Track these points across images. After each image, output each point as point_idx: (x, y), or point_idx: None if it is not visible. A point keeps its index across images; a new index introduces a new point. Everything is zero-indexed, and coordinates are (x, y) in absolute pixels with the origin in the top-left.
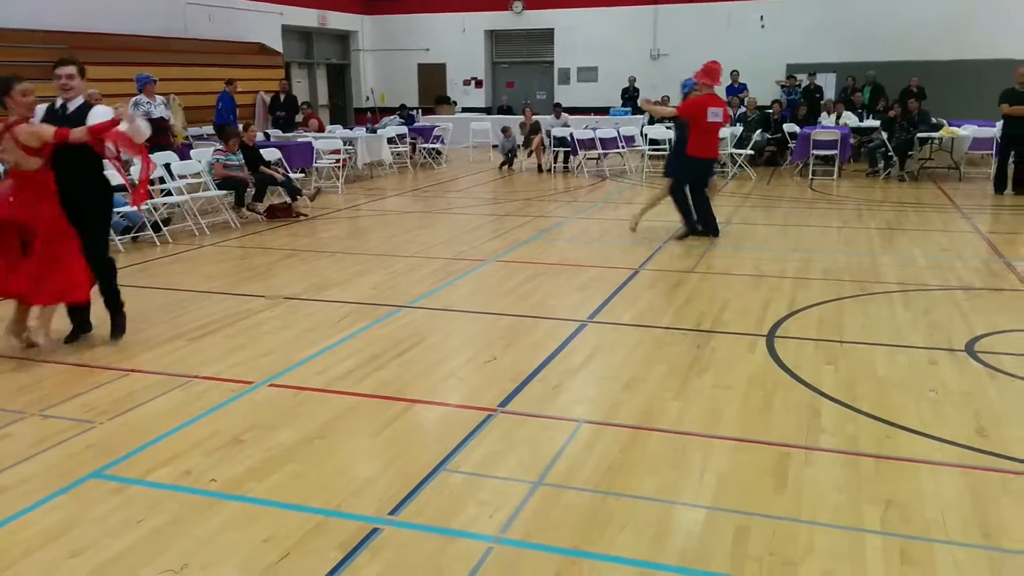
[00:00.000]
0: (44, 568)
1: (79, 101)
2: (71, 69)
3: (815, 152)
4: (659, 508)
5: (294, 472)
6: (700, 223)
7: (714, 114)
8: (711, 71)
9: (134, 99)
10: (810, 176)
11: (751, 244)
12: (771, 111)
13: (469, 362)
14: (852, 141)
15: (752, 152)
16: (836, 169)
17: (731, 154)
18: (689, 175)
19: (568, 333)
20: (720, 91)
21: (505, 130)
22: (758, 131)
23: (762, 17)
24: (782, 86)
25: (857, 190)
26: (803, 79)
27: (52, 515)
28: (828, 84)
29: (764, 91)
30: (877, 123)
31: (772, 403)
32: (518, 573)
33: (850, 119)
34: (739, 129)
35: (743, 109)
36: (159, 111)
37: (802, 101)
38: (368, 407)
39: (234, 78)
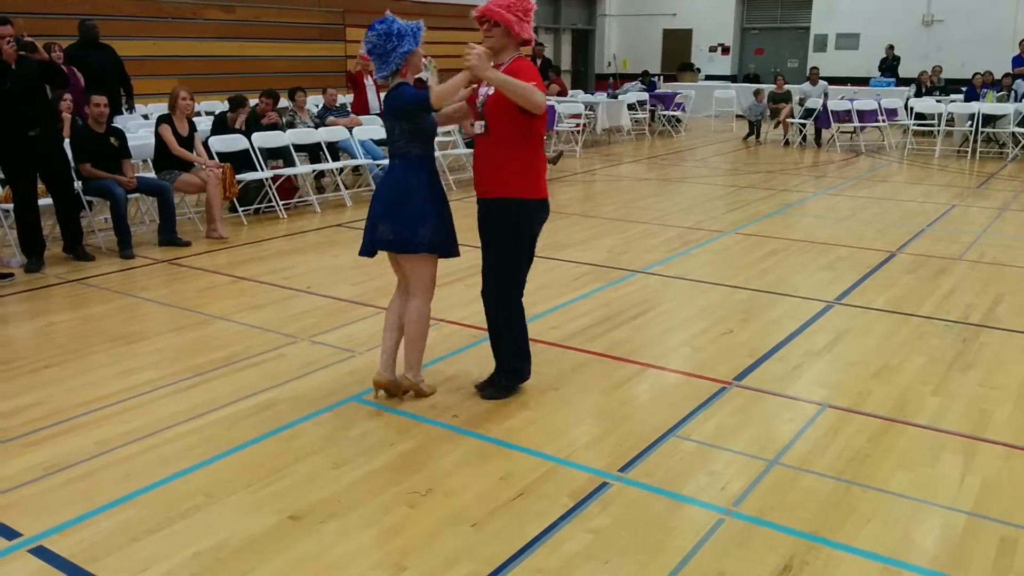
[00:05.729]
0: (312, 475)
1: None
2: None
3: None
4: (911, 506)
5: (529, 418)
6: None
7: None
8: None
9: None
10: None
11: None
12: None
13: (704, 332)
14: None
15: None
16: None
17: (1013, 134)
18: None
19: (812, 313)
20: (978, 61)
21: (757, 93)
22: None
23: None
24: None
25: None
26: None
27: (318, 429)
28: None
29: None
30: None
31: None
32: (750, 549)
33: None
34: None
35: None
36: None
37: None
38: (600, 365)
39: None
